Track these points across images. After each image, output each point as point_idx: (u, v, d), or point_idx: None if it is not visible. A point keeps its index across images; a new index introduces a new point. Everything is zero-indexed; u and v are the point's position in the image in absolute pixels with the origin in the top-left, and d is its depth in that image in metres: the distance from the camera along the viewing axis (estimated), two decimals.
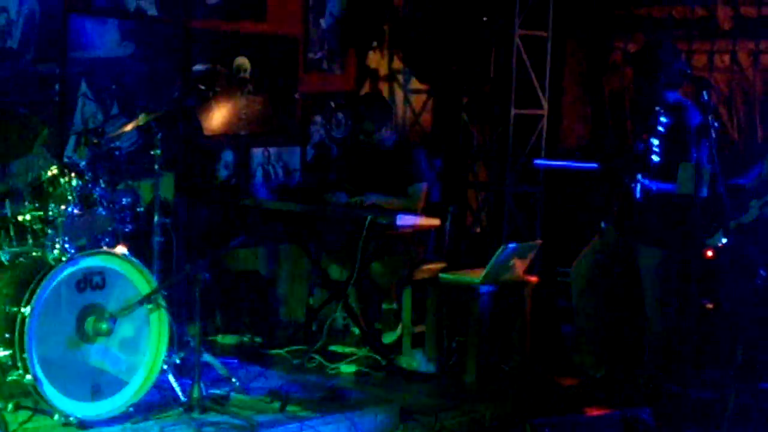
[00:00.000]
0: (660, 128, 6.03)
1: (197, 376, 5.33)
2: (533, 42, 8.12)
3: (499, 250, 6.59)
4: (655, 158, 6.04)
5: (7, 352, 4.85)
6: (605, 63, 8.35)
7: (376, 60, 8.44)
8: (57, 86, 6.69)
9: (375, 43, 8.41)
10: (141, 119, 5.83)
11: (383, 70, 8.47)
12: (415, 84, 8.61)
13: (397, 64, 8.51)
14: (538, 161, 7.46)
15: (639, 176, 6.04)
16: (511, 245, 6.68)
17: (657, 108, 6.16)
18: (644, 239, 6.30)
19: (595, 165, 6.65)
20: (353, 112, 7.63)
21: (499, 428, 5.96)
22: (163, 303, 5.34)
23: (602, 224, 6.47)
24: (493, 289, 6.58)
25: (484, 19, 8.17)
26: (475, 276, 6.59)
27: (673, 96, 6.26)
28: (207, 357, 5.81)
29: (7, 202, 5.31)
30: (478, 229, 8.50)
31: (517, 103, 8.06)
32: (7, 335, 4.90)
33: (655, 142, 6.03)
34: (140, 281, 5.30)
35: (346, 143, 7.95)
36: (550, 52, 8.15)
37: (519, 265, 6.74)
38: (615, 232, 6.44)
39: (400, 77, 8.54)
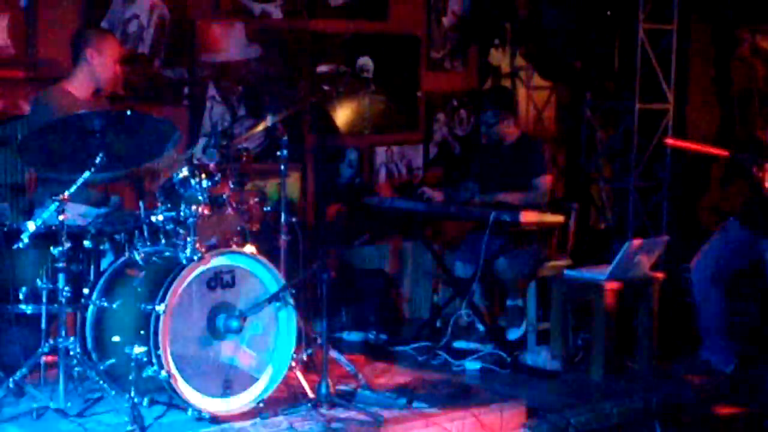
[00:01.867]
0: None
1: (324, 372, 5.41)
2: (658, 35, 8.02)
3: (625, 246, 6.53)
4: None
5: (143, 349, 4.98)
6: (732, 55, 8.21)
7: (498, 57, 8.43)
8: (186, 89, 6.87)
9: (497, 41, 8.40)
10: (268, 120, 5.95)
11: (505, 68, 8.46)
12: (537, 81, 8.57)
13: (519, 61, 8.49)
14: (669, 141, 7.26)
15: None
16: (636, 241, 6.62)
17: None
18: None
19: (724, 153, 6.50)
20: (476, 104, 7.63)
21: (627, 426, 5.91)
22: (290, 301, 5.42)
23: (730, 219, 6.37)
24: (619, 286, 6.52)
25: (608, 13, 8.09)
26: (601, 272, 6.54)
27: None
28: (334, 354, 5.89)
29: (141, 204, 5.46)
30: (603, 226, 8.43)
31: (642, 98, 7.98)
32: (142, 332, 5.04)
33: None
34: (269, 279, 5.40)
35: (469, 140, 7.97)
36: (675, 46, 8.04)
37: (645, 262, 6.66)
38: (739, 226, 6.33)
39: (523, 74, 8.51)
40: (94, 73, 5.83)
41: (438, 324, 7.09)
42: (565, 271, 6.76)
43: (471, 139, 8.00)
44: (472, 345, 6.82)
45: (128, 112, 5.18)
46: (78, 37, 5.92)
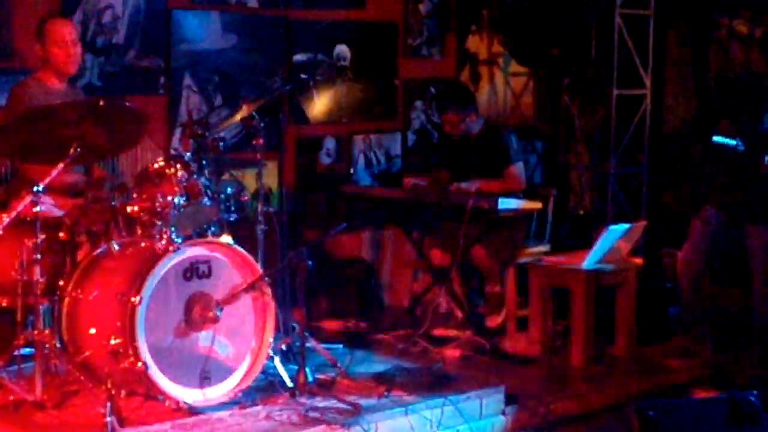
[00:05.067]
0: None
1: (302, 361, 5.40)
2: (635, 21, 8.02)
3: (604, 232, 6.53)
4: None
5: (118, 340, 4.96)
6: (709, 40, 8.21)
7: (475, 44, 8.42)
8: (162, 79, 6.83)
9: (474, 27, 8.39)
10: (243, 110, 5.93)
11: (483, 54, 8.46)
12: (515, 67, 8.57)
13: (496, 47, 8.49)
14: (717, 138, 7.11)
15: None
16: (615, 227, 6.62)
17: None
18: (754, 218, 6.21)
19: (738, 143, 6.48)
20: (437, 103, 7.58)
21: (606, 412, 5.93)
22: (267, 290, 5.41)
23: (709, 208, 6.40)
24: (597, 272, 6.52)
25: None
26: (579, 259, 6.54)
27: None
28: (312, 343, 5.89)
29: (116, 195, 5.43)
30: (582, 212, 8.44)
31: (619, 84, 7.98)
32: (118, 323, 5.02)
33: None
34: (245, 269, 5.38)
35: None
36: (652, 31, 8.04)
37: (624, 247, 6.67)
38: (720, 215, 6.36)
39: (500, 60, 8.51)
40: (49, 60, 5.81)
41: (417, 312, 7.09)
42: (544, 258, 6.77)
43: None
44: (452, 332, 6.81)
45: (101, 102, 5.15)
46: (35, 29, 5.90)
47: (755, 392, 4.60)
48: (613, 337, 6.68)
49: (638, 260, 6.82)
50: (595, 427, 5.84)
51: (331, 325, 7.08)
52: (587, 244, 6.69)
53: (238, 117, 6.02)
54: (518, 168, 6.89)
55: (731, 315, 6.98)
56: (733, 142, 6.24)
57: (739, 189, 6.29)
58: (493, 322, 6.98)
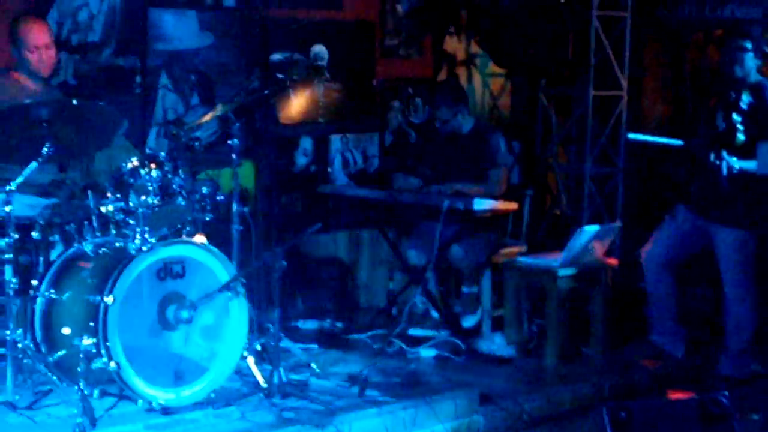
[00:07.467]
0: (743, 106, 5.98)
1: (276, 362, 5.40)
2: (612, 22, 8.04)
3: (577, 232, 6.56)
4: (740, 136, 5.98)
5: (91, 341, 4.94)
6: (686, 42, 8.24)
7: (453, 45, 8.42)
8: (138, 78, 6.81)
9: (452, 28, 8.39)
10: (218, 109, 5.92)
11: (461, 55, 8.46)
12: (493, 68, 8.58)
13: (474, 48, 8.49)
14: (632, 135, 7.20)
15: (724, 153, 6.00)
16: (589, 228, 6.65)
17: (739, 87, 6.10)
18: (723, 220, 6.24)
19: (679, 142, 6.54)
20: (429, 99, 7.60)
21: (580, 412, 5.95)
22: (242, 290, 5.40)
23: (679, 205, 6.43)
24: (572, 272, 6.54)
25: (561, 0, 8.09)
26: (554, 259, 6.56)
27: (754, 75, 6.20)
28: (286, 343, 5.88)
29: (90, 194, 5.41)
30: (558, 212, 8.46)
31: (596, 85, 8.00)
32: (91, 324, 5.00)
33: (738, 119, 5.97)
34: (219, 269, 5.37)
35: (424, 129, 7.95)
36: (629, 33, 8.06)
37: (598, 248, 6.69)
38: (689, 213, 6.39)
39: (478, 61, 8.51)
40: (22, 61, 5.80)
41: (394, 312, 7.09)
42: (519, 258, 6.79)
43: (426, 127, 7.98)
44: (428, 332, 6.82)
45: (74, 101, 5.13)
46: (9, 28, 5.88)
47: (726, 393, 4.62)
48: (588, 337, 6.70)
49: (613, 261, 6.85)
50: (568, 427, 5.86)
51: (307, 325, 7.08)
52: (563, 245, 6.71)
53: (212, 116, 6.01)
54: (502, 172, 6.91)
55: (702, 315, 7.01)
56: (661, 140, 6.29)
57: (705, 189, 6.32)
58: (469, 322, 6.99)
